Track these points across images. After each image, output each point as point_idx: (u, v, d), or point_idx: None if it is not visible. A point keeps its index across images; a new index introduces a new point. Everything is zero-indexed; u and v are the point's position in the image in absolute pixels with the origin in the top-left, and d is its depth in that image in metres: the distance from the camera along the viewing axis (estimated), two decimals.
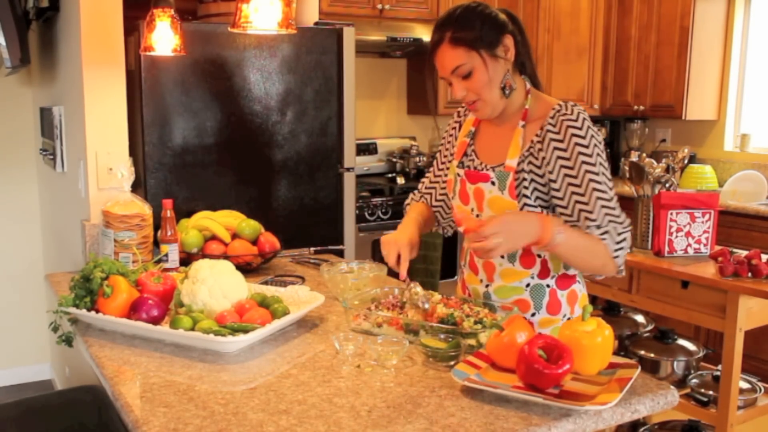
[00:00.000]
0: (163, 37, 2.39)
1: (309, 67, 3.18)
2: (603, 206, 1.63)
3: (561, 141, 1.64)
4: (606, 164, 1.65)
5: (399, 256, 1.79)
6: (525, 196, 1.69)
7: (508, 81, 1.69)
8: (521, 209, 1.69)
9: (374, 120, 4.78)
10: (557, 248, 1.60)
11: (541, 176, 1.68)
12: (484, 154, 1.81)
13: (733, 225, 3.95)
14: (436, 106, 4.46)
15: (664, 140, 5.01)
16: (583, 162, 1.62)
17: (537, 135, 1.69)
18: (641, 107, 4.72)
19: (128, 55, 2.71)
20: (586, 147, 1.62)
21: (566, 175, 1.64)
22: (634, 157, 2.84)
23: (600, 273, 1.70)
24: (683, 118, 4.52)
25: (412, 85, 4.80)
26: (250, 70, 3.05)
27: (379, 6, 4.19)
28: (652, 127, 5.07)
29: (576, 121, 1.63)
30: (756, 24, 4.57)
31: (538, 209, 1.69)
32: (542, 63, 4.79)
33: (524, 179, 1.69)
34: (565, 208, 1.67)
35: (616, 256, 1.64)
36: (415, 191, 2.10)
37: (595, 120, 5.08)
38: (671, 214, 2.66)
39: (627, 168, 2.85)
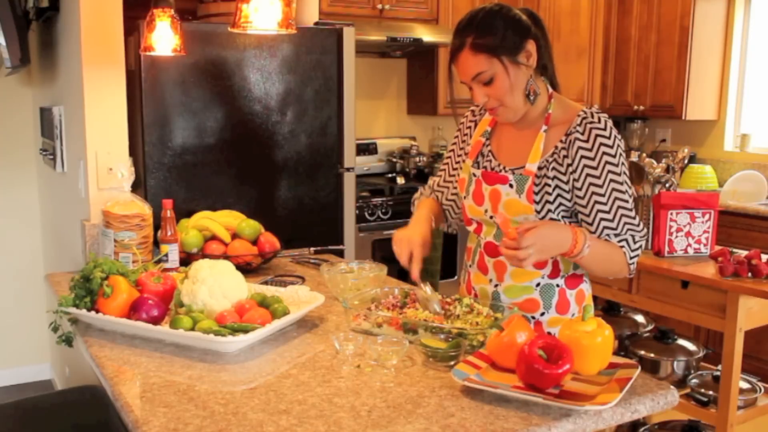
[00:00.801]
0: (163, 37, 2.38)
1: (309, 67, 3.18)
2: (623, 215, 1.66)
3: (589, 150, 1.64)
4: (627, 172, 1.67)
5: (411, 255, 1.78)
6: (547, 201, 1.68)
7: (532, 86, 1.68)
8: (543, 215, 1.68)
9: (374, 120, 4.78)
10: (582, 259, 1.63)
11: (566, 182, 1.68)
12: (502, 155, 1.79)
13: (733, 225, 3.95)
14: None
15: (664, 140, 5.01)
16: (609, 171, 1.64)
17: (561, 141, 1.68)
18: (641, 107, 4.72)
19: (128, 55, 2.71)
20: (613, 156, 1.64)
21: (591, 183, 1.65)
22: (634, 157, 2.84)
23: (614, 276, 1.75)
24: (683, 118, 4.52)
25: (412, 85, 4.80)
26: (250, 70, 3.05)
27: (379, 6, 4.19)
28: (652, 127, 5.07)
29: (604, 130, 1.64)
30: (756, 24, 4.57)
31: (559, 215, 1.69)
32: None
33: (547, 184, 1.68)
34: (587, 216, 1.68)
35: (632, 263, 1.69)
36: (425, 186, 2.07)
37: None
38: (671, 214, 2.66)
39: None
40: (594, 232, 1.67)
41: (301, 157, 3.23)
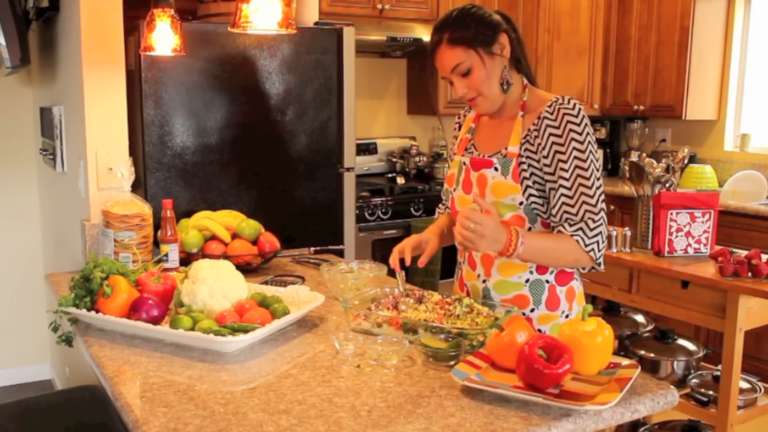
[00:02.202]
0: (163, 37, 2.39)
1: (309, 67, 3.18)
2: (584, 201, 1.67)
3: (557, 128, 1.70)
4: (596, 157, 1.70)
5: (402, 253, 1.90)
6: (525, 178, 1.73)
7: (505, 77, 1.77)
8: (524, 193, 1.72)
9: (374, 120, 4.78)
10: (520, 257, 1.67)
11: (537, 161, 1.73)
12: (482, 145, 1.87)
13: (733, 225, 3.95)
14: (437, 106, 4.45)
15: (664, 140, 5.01)
16: (575, 148, 1.68)
17: (534, 124, 1.74)
18: (641, 107, 4.72)
19: (128, 55, 2.71)
20: (580, 134, 1.68)
21: (560, 160, 1.69)
22: (634, 157, 2.84)
23: (575, 267, 1.75)
24: (683, 118, 4.51)
25: (412, 85, 4.80)
26: (250, 70, 3.05)
27: (379, 6, 4.19)
28: (652, 127, 5.07)
29: (573, 110, 1.69)
30: (756, 24, 4.57)
31: (539, 196, 1.72)
32: (542, 63, 4.80)
33: (522, 162, 1.74)
34: (554, 197, 1.71)
35: (590, 250, 1.67)
36: (440, 205, 2.11)
37: (595, 120, 5.08)
38: (671, 214, 2.66)
39: (627, 168, 2.85)
40: (555, 215, 1.70)
41: (301, 157, 3.23)
